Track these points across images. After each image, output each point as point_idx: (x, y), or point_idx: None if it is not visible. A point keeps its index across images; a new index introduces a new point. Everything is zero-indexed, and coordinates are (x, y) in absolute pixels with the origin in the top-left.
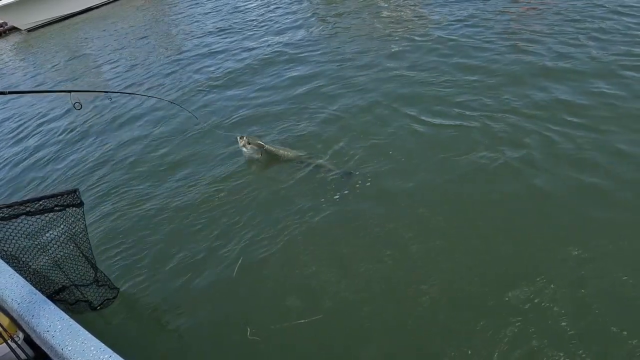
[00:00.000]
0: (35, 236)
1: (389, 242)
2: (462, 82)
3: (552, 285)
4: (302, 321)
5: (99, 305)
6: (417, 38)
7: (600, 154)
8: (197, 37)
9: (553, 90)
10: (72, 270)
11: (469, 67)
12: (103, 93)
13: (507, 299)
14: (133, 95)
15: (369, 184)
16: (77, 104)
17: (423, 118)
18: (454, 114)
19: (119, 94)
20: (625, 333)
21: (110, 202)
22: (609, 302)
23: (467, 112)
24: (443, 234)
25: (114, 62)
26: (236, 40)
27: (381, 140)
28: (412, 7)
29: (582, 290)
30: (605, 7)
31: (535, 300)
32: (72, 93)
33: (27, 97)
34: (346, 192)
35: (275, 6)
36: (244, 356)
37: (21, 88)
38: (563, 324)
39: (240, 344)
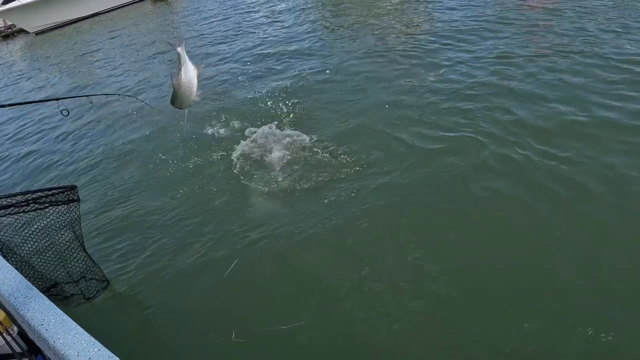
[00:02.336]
0: (32, 230)
1: (376, 254)
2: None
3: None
4: (286, 327)
5: (93, 295)
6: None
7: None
8: (201, 48)
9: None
10: (68, 263)
11: (469, 84)
12: (85, 97)
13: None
14: (120, 95)
15: (354, 194)
16: (64, 110)
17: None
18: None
19: (100, 95)
20: None
21: (104, 196)
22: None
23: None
24: (426, 246)
25: (118, 68)
26: (240, 54)
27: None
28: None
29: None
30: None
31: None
32: (60, 100)
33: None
34: (336, 199)
35: (279, 19)
36: (226, 357)
37: (15, 97)
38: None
39: (224, 345)
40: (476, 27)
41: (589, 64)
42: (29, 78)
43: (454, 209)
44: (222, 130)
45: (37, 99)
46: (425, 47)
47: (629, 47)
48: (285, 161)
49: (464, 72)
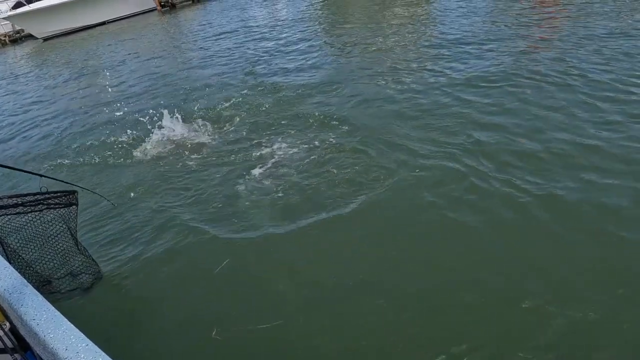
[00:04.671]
0: (32, 228)
1: (360, 263)
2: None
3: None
4: (265, 326)
5: (88, 287)
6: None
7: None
8: (203, 66)
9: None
10: (64, 259)
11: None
12: (68, 184)
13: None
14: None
15: (342, 204)
16: (43, 187)
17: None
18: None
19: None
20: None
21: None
22: None
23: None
24: (395, 249)
25: (119, 82)
26: (243, 73)
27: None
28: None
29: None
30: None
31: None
32: (43, 178)
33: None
34: (329, 210)
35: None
36: (204, 353)
37: (15, 105)
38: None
39: (204, 341)
40: (472, 54)
41: (572, 96)
42: (31, 86)
43: (440, 231)
44: (215, 140)
45: (21, 168)
46: (419, 69)
47: (612, 81)
48: (279, 176)
49: (457, 97)
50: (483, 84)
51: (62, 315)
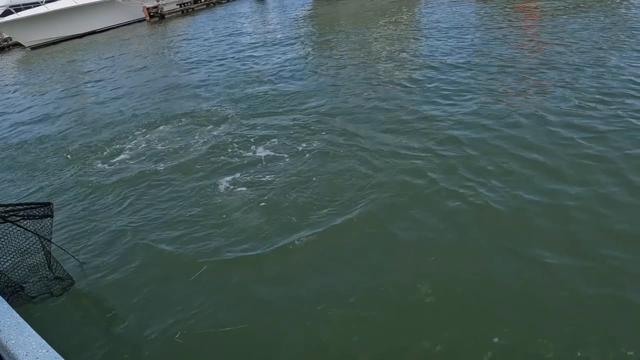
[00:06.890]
0: (3, 239)
1: (336, 271)
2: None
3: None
4: (228, 329)
5: (59, 294)
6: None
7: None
8: (187, 78)
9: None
10: (36, 267)
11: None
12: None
13: None
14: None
15: (322, 214)
16: None
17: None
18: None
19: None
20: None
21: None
22: None
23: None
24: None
25: (102, 94)
26: (230, 88)
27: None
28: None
29: None
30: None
31: None
32: None
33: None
34: (308, 219)
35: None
36: (164, 355)
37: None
38: None
39: (166, 345)
40: (461, 74)
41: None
42: (13, 97)
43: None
44: (195, 152)
45: None
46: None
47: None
48: (257, 185)
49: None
50: (463, 119)
51: (25, 322)
